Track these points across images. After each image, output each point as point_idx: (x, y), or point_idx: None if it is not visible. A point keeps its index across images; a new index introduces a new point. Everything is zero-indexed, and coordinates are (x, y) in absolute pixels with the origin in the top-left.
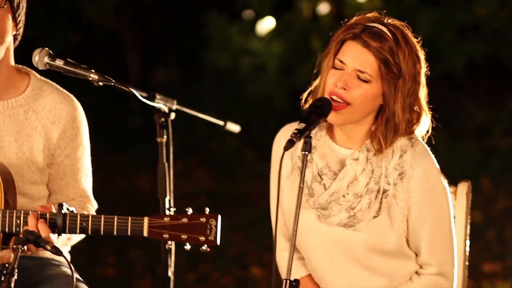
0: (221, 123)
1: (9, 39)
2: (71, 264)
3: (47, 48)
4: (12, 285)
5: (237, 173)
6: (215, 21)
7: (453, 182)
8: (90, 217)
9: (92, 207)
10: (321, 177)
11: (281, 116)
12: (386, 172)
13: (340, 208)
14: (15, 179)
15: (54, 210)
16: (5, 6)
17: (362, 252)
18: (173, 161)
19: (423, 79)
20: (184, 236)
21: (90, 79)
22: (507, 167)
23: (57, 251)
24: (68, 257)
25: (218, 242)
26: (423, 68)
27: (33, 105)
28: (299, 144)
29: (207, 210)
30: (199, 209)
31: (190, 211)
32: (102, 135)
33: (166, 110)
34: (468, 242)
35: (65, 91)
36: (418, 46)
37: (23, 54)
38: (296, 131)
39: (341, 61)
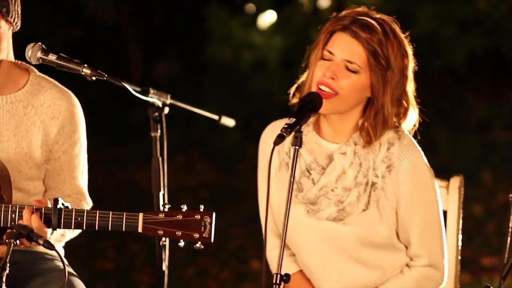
0: (215, 117)
1: (4, 44)
2: (63, 258)
3: (40, 43)
4: (4, 279)
5: (238, 167)
6: (216, 15)
7: (454, 175)
8: (85, 212)
9: (87, 205)
10: (309, 172)
11: (282, 110)
12: (374, 165)
13: (329, 202)
14: (12, 174)
15: (49, 205)
16: None
17: (352, 246)
18: (175, 154)
19: (410, 74)
20: (178, 233)
21: (83, 73)
22: (507, 161)
23: (49, 245)
24: (62, 252)
25: (212, 240)
26: (411, 63)
27: (32, 101)
28: (286, 140)
29: (202, 207)
30: (200, 203)
31: (184, 208)
32: (103, 128)
33: (160, 104)
34: (460, 237)
35: (63, 87)
36: (406, 41)
37: (24, 50)
38: (286, 125)
39: (330, 52)
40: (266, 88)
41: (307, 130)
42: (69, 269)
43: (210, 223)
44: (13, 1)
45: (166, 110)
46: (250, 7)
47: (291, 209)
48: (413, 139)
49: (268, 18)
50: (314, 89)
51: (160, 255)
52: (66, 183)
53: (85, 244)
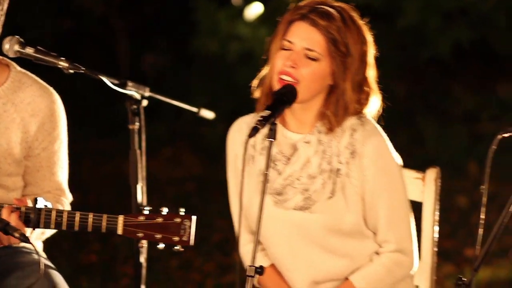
0: (195, 109)
1: None
2: (38, 251)
3: (17, 36)
4: None
5: (225, 159)
6: (204, 7)
7: (441, 166)
8: (65, 213)
9: (67, 199)
10: (274, 163)
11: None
12: (338, 152)
13: (295, 191)
14: None
15: (30, 204)
16: None
17: (320, 234)
18: (162, 147)
19: (371, 60)
20: (158, 236)
21: (60, 66)
22: (494, 153)
23: (24, 238)
24: (40, 245)
25: (192, 243)
26: (371, 50)
27: (12, 98)
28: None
29: (182, 210)
30: (186, 196)
31: (165, 211)
32: (90, 121)
33: (138, 97)
34: (437, 228)
35: (44, 83)
36: (365, 28)
37: None
38: (261, 118)
39: (289, 41)
40: (253, 80)
41: None
42: (47, 262)
43: (190, 227)
44: None
45: (145, 102)
46: None
47: (258, 201)
48: (376, 124)
49: (255, 10)
50: (275, 79)
51: (137, 248)
52: (45, 179)
53: (70, 236)
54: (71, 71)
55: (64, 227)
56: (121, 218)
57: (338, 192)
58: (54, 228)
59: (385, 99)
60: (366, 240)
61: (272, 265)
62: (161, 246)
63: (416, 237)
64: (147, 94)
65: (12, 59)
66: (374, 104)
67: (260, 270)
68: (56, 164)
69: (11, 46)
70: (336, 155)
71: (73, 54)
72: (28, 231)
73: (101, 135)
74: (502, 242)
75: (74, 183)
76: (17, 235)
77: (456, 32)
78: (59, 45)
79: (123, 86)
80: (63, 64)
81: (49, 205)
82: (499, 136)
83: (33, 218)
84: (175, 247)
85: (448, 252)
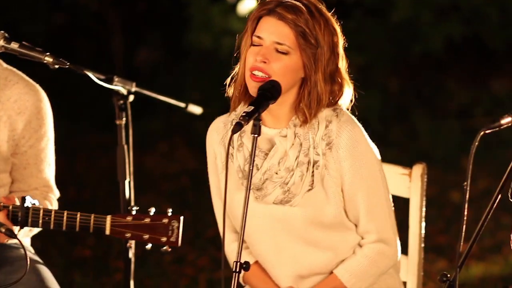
0: (182, 105)
1: None
2: (24, 246)
3: (2, 31)
4: None
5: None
6: (197, 2)
7: (434, 161)
8: (53, 212)
9: (54, 196)
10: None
11: None
12: (314, 144)
13: (274, 185)
14: None
15: (17, 203)
16: None
17: (302, 227)
18: (157, 141)
19: (341, 51)
20: (146, 236)
21: (45, 62)
22: (487, 148)
23: (11, 233)
24: (28, 241)
25: (180, 244)
26: (341, 41)
27: None
28: (230, 131)
29: (170, 211)
30: (180, 190)
31: (152, 211)
32: (87, 114)
33: (125, 92)
34: (423, 224)
35: (31, 81)
36: (333, 20)
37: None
38: (244, 113)
39: (258, 37)
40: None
41: None
42: (35, 257)
43: (178, 227)
44: None
45: (131, 98)
46: None
47: (239, 197)
48: (352, 115)
49: (247, 4)
50: (247, 75)
51: (126, 245)
52: (33, 176)
53: (65, 231)
54: (56, 66)
55: (51, 227)
56: (108, 218)
57: (317, 184)
58: (42, 227)
59: (378, 94)
60: (348, 232)
61: (257, 262)
62: (148, 246)
63: (396, 227)
64: (133, 89)
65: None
66: (348, 95)
67: (245, 266)
68: (43, 161)
69: None
70: (313, 147)
71: (67, 49)
72: (15, 229)
73: (98, 129)
74: (495, 237)
75: (69, 178)
76: (3, 230)
77: (448, 27)
78: (53, 40)
79: (110, 81)
80: (48, 59)
81: (37, 203)
82: (481, 133)
83: (21, 216)
84: (163, 248)
85: (442, 248)
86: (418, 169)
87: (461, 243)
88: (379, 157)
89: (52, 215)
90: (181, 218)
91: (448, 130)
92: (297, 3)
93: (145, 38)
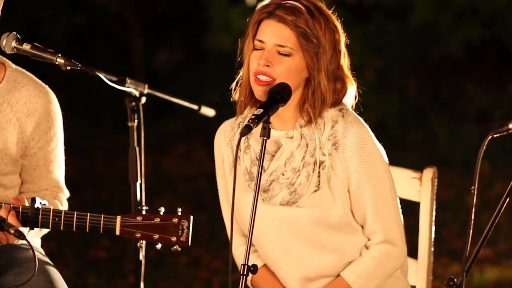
0: (195, 107)
1: None
2: (33, 247)
3: (14, 32)
4: None
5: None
6: (216, 4)
7: (452, 165)
8: (63, 213)
9: (64, 196)
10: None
11: None
12: (320, 144)
13: (281, 186)
14: None
15: (27, 204)
16: None
17: (309, 228)
18: (176, 143)
19: (343, 48)
20: (155, 236)
21: (57, 63)
22: (506, 152)
23: (20, 234)
24: (39, 242)
25: (190, 243)
26: (342, 38)
27: (8, 98)
28: (237, 134)
29: (180, 210)
30: (198, 192)
31: (162, 211)
32: (106, 116)
33: (137, 94)
34: (433, 228)
35: (40, 82)
36: (333, 17)
37: (27, 37)
38: (253, 116)
39: (260, 41)
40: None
41: None
42: (44, 258)
43: (188, 227)
44: None
45: (143, 100)
46: None
47: (246, 200)
48: (358, 116)
49: None
50: (252, 80)
51: (137, 246)
52: (42, 177)
53: (80, 232)
54: (68, 67)
55: (62, 227)
56: (118, 219)
57: (324, 184)
58: (52, 228)
59: (397, 97)
60: (355, 233)
61: (265, 265)
62: (158, 246)
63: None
64: (146, 91)
65: (8, 55)
66: (351, 93)
67: (253, 269)
68: (53, 163)
69: (8, 42)
70: (319, 147)
71: (87, 50)
72: (25, 231)
73: (115, 131)
74: (510, 242)
75: (87, 179)
76: (12, 231)
77: (467, 30)
78: (73, 41)
79: (122, 83)
80: (59, 60)
81: (47, 204)
82: (489, 137)
83: (31, 218)
84: (173, 247)
85: (457, 252)
86: (429, 173)
87: (468, 247)
88: (385, 157)
89: (62, 216)
90: (191, 217)
91: (467, 133)
92: (296, 3)
93: (164, 40)
